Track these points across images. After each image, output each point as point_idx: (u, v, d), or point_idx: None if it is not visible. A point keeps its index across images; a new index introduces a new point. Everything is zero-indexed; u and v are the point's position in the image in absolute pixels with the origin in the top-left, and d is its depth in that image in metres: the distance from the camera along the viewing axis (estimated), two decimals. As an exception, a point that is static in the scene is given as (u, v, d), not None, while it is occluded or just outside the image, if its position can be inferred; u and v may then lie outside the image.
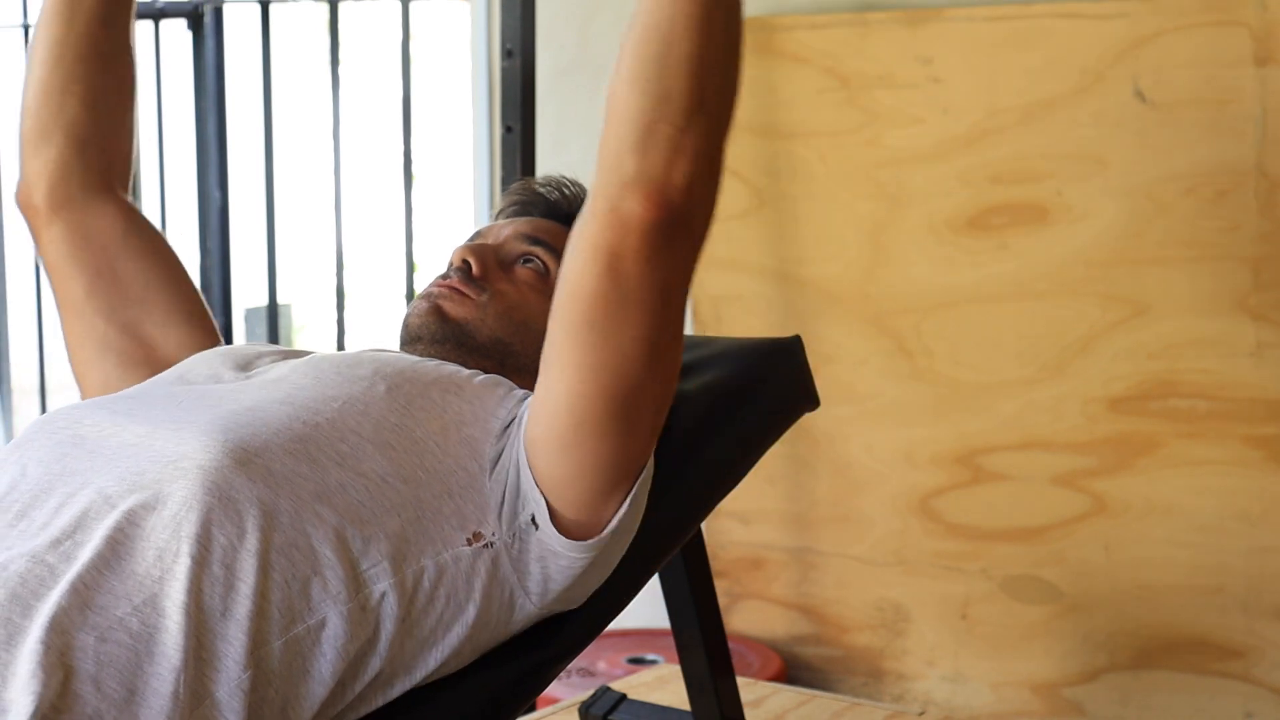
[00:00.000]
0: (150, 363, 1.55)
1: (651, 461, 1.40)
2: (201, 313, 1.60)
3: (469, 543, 1.31)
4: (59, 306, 1.59)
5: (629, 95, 1.23)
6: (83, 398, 1.58)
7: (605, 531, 1.34)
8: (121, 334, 1.56)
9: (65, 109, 1.55)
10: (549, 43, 2.96)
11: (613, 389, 1.28)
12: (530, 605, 1.36)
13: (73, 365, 1.59)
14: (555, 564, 1.34)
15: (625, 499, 1.35)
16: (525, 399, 1.40)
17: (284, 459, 1.26)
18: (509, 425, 1.37)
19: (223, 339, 1.61)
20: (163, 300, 1.57)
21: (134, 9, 1.61)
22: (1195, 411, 2.62)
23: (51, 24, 1.56)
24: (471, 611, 1.31)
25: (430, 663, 1.31)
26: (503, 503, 1.33)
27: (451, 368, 1.43)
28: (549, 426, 1.31)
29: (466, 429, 1.35)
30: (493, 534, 1.32)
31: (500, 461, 1.34)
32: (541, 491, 1.33)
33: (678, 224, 1.23)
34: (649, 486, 1.42)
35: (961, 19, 2.70)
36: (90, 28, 1.55)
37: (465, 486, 1.32)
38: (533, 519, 1.33)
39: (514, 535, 1.33)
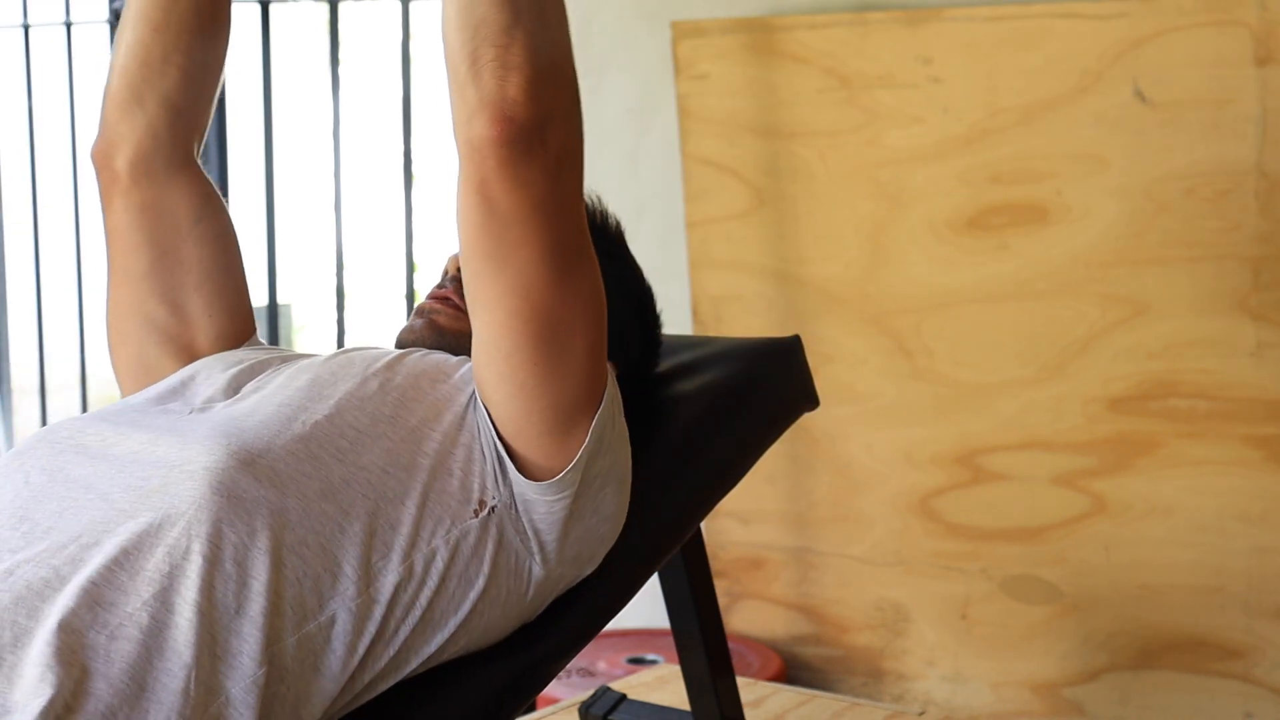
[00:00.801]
0: (188, 350, 1.55)
1: (614, 397, 1.42)
2: (245, 306, 1.60)
3: (475, 513, 1.33)
4: (112, 273, 1.57)
5: (452, 37, 1.27)
6: (113, 366, 1.59)
7: (570, 468, 1.36)
8: (170, 315, 1.55)
9: (166, 76, 1.53)
10: (549, 43, 2.96)
11: (526, 312, 1.31)
12: (537, 568, 1.37)
13: (109, 334, 1.59)
14: (537, 512, 1.36)
15: (587, 434, 1.36)
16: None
17: (287, 459, 1.27)
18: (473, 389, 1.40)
19: (258, 331, 1.62)
20: (215, 289, 1.56)
21: None
22: (1195, 411, 2.62)
23: None
24: (482, 584, 1.33)
25: (443, 640, 1.32)
26: (495, 463, 1.35)
27: (439, 356, 1.45)
28: (487, 368, 1.34)
29: (456, 408, 1.38)
30: (494, 498, 1.34)
31: (479, 423, 1.37)
32: (504, 439, 1.35)
33: (529, 136, 1.25)
34: (621, 429, 1.43)
35: (961, 19, 2.70)
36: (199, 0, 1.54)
37: (465, 460, 1.34)
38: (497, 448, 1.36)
39: (511, 494, 1.35)
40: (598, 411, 1.37)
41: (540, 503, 1.36)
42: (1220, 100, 2.54)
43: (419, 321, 1.55)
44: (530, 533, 1.36)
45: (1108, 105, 2.61)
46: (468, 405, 1.38)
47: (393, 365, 1.40)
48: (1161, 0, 2.56)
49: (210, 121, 1.61)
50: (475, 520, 1.33)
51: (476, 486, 1.34)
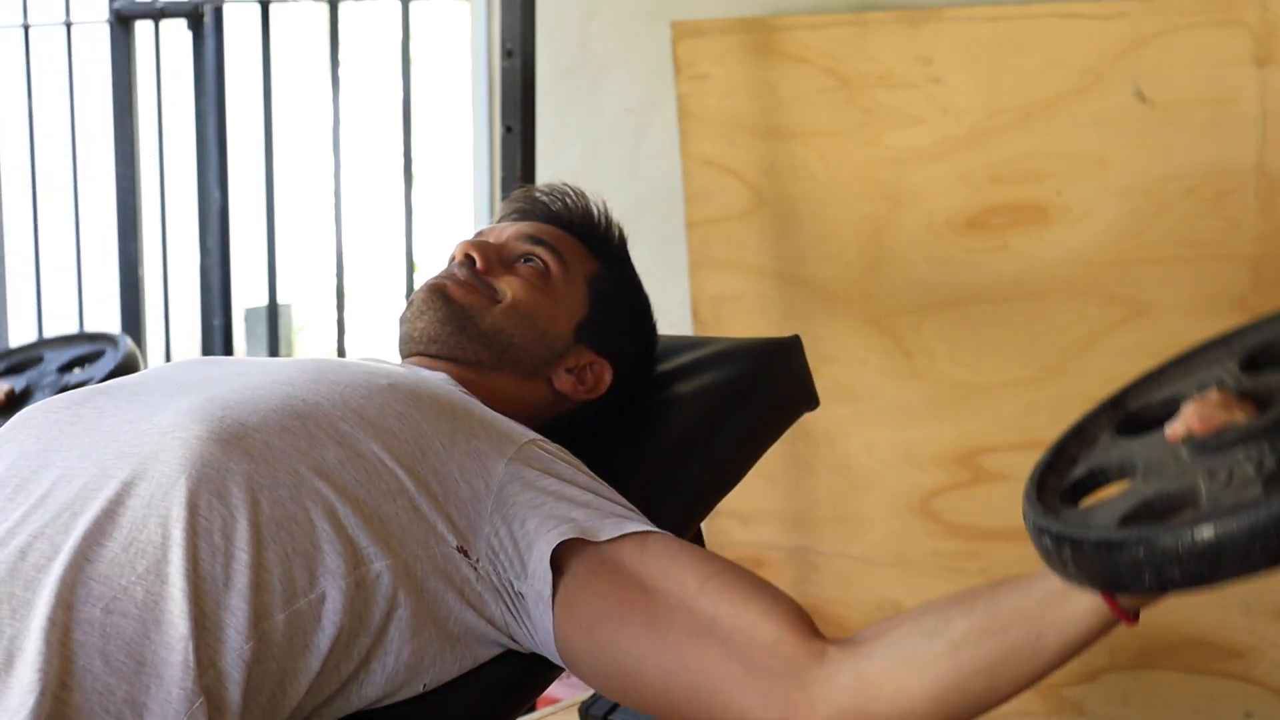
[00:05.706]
0: None
1: None
2: None
3: (459, 550, 1.30)
4: None
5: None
6: None
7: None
8: None
9: None
10: (549, 43, 2.96)
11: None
12: (498, 635, 1.35)
13: None
14: (530, 622, 1.33)
15: None
16: (543, 452, 1.38)
17: (281, 435, 1.26)
18: (528, 480, 1.34)
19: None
20: None
21: None
22: (1195, 411, 2.61)
23: None
24: (458, 616, 1.31)
25: (423, 647, 1.30)
26: (496, 556, 1.31)
27: (463, 393, 1.43)
28: (590, 676, 1.31)
29: (477, 441, 1.35)
30: (476, 561, 1.31)
31: (513, 532, 1.32)
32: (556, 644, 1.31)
33: None
34: None
35: (961, 19, 2.70)
36: None
37: (466, 502, 1.31)
38: (523, 598, 1.32)
39: (499, 584, 1.32)
40: None
41: (543, 629, 1.33)
42: (1220, 100, 2.54)
43: (431, 283, 1.55)
44: (520, 614, 1.33)
45: (1108, 105, 2.61)
46: (497, 460, 1.34)
47: (408, 376, 1.40)
48: (1161, 0, 2.56)
49: None
50: (455, 554, 1.29)
51: (466, 536, 1.30)
